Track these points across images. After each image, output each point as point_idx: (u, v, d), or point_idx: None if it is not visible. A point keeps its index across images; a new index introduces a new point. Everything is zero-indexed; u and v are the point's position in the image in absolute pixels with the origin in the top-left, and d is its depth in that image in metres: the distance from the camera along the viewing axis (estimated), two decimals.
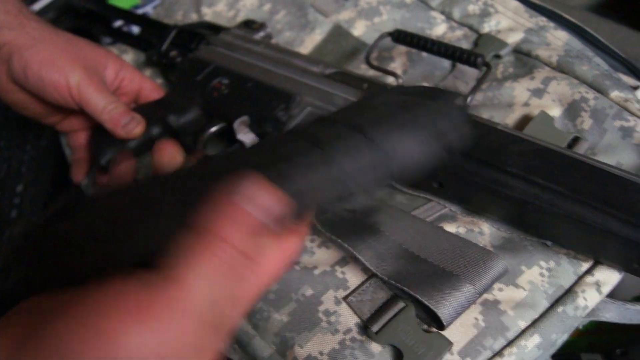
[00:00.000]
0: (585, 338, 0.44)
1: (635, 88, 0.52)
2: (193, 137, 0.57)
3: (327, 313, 0.43)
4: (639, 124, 0.48)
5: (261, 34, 0.62)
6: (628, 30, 0.68)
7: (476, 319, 0.40)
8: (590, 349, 0.50)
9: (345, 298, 0.43)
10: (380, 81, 0.53)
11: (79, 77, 0.55)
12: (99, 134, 0.58)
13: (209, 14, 0.70)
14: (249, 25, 0.62)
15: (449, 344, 0.38)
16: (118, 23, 0.72)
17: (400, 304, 0.40)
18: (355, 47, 0.63)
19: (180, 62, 0.62)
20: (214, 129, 0.56)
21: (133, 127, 0.56)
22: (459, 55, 0.52)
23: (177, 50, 0.63)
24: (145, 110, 0.58)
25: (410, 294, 0.40)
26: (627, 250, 0.38)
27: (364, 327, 0.41)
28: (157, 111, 0.59)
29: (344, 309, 0.43)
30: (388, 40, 0.61)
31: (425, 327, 0.40)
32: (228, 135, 0.56)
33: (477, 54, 0.51)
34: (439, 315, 0.38)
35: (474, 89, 0.50)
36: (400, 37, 0.55)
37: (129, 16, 0.70)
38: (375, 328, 0.40)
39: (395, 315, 0.40)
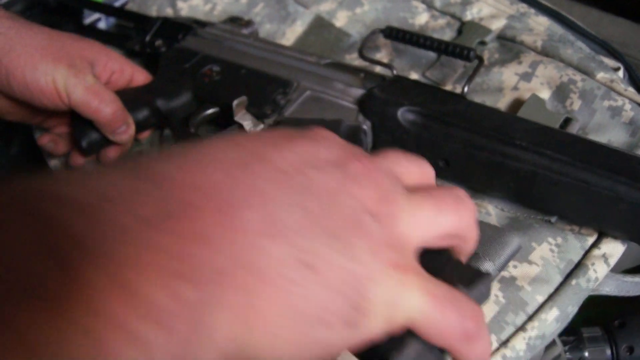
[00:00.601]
0: (581, 313, 0.47)
1: (616, 69, 0.56)
2: (184, 121, 0.58)
3: None
4: (627, 103, 0.51)
5: (249, 29, 0.62)
6: (599, 12, 0.71)
7: (496, 295, 0.42)
8: (587, 323, 0.53)
9: None
10: (375, 72, 0.54)
11: (66, 77, 0.53)
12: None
13: (184, 8, 0.71)
14: (236, 21, 0.63)
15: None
16: (90, 19, 0.72)
17: None
18: (338, 38, 0.65)
19: (165, 51, 0.62)
20: (206, 112, 0.57)
21: (125, 133, 0.57)
22: (451, 49, 0.54)
23: (162, 40, 0.63)
24: (132, 94, 0.58)
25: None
26: (634, 216, 0.40)
27: None
28: (145, 95, 0.59)
29: None
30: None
31: None
32: (221, 119, 0.56)
33: (469, 48, 0.54)
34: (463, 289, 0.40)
35: (469, 81, 0.52)
36: (392, 33, 0.57)
37: (107, 9, 0.69)
38: None
39: None
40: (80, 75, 0.54)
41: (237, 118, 0.54)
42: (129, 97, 0.57)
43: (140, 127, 0.59)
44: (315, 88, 0.54)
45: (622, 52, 0.66)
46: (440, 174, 0.48)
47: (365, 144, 0.51)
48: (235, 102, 0.53)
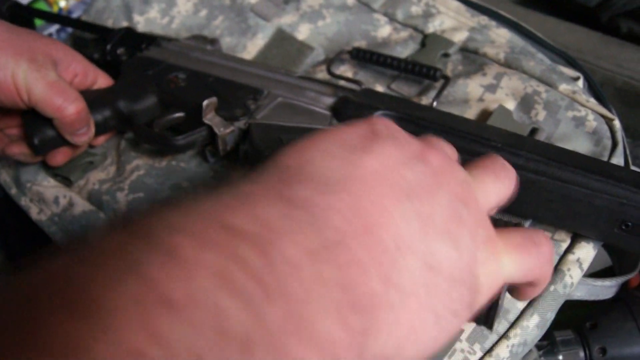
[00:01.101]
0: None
1: (575, 79, 0.59)
2: (148, 124, 0.57)
3: None
4: (590, 114, 0.54)
5: (214, 47, 0.63)
6: (555, 20, 0.75)
7: None
8: (559, 327, 0.55)
9: None
10: (344, 86, 0.55)
11: (27, 72, 0.51)
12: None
13: (141, 21, 0.70)
14: (199, 39, 0.63)
15: (460, 331, 0.42)
16: (49, 31, 0.70)
17: None
18: (300, 51, 0.66)
19: (126, 60, 0.62)
20: (171, 116, 0.57)
21: (85, 135, 0.55)
22: (417, 70, 0.56)
23: (124, 49, 0.62)
24: (93, 95, 0.57)
25: None
26: (609, 213, 0.43)
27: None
28: (107, 96, 0.58)
29: None
30: (336, 44, 0.65)
31: None
32: (186, 124, 0.56)
33: (435, 68, 0.56)
34: None
35: (437, 97, 0.55)
36: (360, 54, 0.59)
37: (65, 20, 0.69)
38: None
39: None
40: (43, 71, 0.52)
41: (206, 119, 0.54)
42: (90, 97, 0.56)
43: (99, 129, 0.57)
44: (286, 95, 0.54)
45: (578, 58, 0.70)
46: None
47: None
48: (205, 102, 0.53)
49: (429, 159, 0.29)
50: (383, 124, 0.31)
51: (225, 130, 0.53)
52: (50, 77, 0.52)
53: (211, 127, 0.53)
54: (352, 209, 0.24)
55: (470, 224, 0.28)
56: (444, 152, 0.31)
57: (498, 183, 0.33)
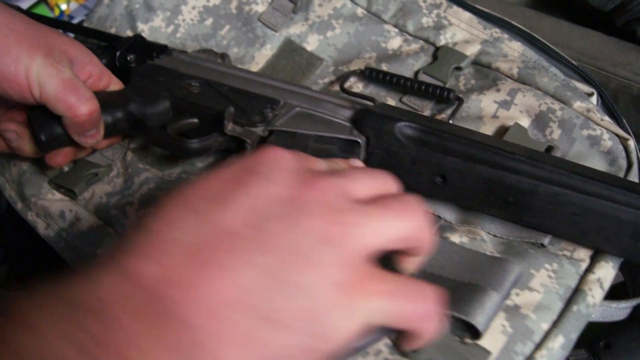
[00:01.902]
0: None
1: (589, 94, 0.60)
2: (160, 128, 0.58)
3: None
4: (604, 133, 0.55)
5: (225, 62, 0.63)
6: (570, 24, 0.75)
7: (503, 325, 0.45)
8: (573, 346, 0.56)
9: None
10: (359, 101, 0.56)
11: (41, 67, 0.50)
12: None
13: (145, 30, 0.71)
14: (209, 52, 0.64)
15: (487, 353, 0.43)
16: None
17: None
18: (309, 62, 0.67)
19: (136, 66, 0.62)
20: (185, 121, 0.57)
21: (93, 137, 0.55)
22: (431, 91, 0.58)
23: (134, 56, 0.63)
24: (106, 96, 0.57)
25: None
26: (634, 227, 0.44)
27: (395, 346, 0.45)
28: (119, 98, 0.58)
29: None
30: (346, 55, 0.66)
31: (458, 339, 0.44)
32: (199, 131, 0.57)
33: (448, 90, 0.58)
34: (475, 324, 0.43)
35: (451, 117, 0.57)
36: (372, 75, 0.60)
37: (75, 28, 0.69)
38: None
39: None
40: (58, 67, 0.51)
41: (228, 131, 0.54)
42: (102, 98, 0.56)
43: (108, 130, 0.57)
44: (303, 106, 0.55)
45: (594, 64, 0.71)
46: (437, 192, 0.51)
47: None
48: (226, 113, 0.54)
49: (297, 197, 0.32)
50: (268, 156, 0.35)
51: (252, 138, 0.54)
52: (65, 75, 0.52)
53: (231, 137, 0.54)
54: (190, 277, 0.29)
55: (328, 265, 0.30)
56: (321, 186, 0.33)
57: (389, 222, 0.34)
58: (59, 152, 0.57)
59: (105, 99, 0.56)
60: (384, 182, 0.38)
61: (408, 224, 0.35)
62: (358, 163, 0.46)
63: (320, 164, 0.40)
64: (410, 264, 0.39)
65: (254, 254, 0.30)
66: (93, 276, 0.29)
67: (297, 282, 0.30)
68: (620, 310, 0.53)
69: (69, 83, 0.52)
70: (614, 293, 0.61)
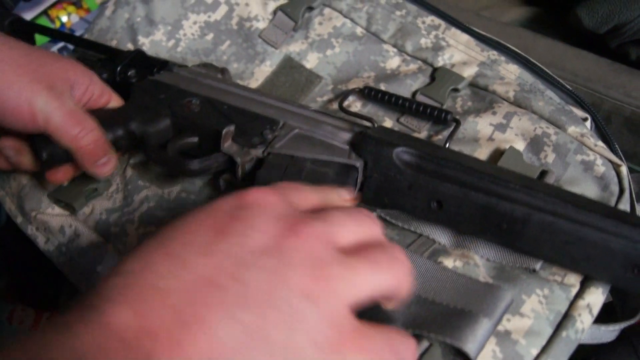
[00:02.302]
0: None
1: (584, 120, 0.61)
2: (161, 147, 0.58)
3: None
4: (598, 158, 0.56)
5: (225, 77, 0.64)
6: (564, 46, 0.77)
7: (493, 350, 0.46)
8: None
9: None
10: (358, 122, 0.57)
11: (45, 100, 0.51)
12: None
13: (146, 43, 0.72)
14: (209, 67, 0.65)
15: None
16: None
17: (425, 344, 0.46)
18: (309, 80, 0.68)
19: (137, 82, 0.63)
20: (185, 140, 0.58)
21: (106, 166, 0.56)
22: (429, 112, 0.59)
23: (135, 71, 0.64)
24: (105, 114, 0.58)
25: (432, 337, 0.45)
26: (624, 257, 0.45)
27: None
28: (119, 116, 0.59)
29: None
30: (345, 74, 0.67)
31: None
32: (199, 149, 0.58)
33: (446, 111, 0.59)
34: (467, 350, 0.44)
35: (447, 141, 0.57)
36: (371, 94, 0.62)
37: (75, 40, 0.70)
38: None
39: (421, 355, 0.45)
40: (61, 99, 0.52)
41: (224, 148, 0.55)
42: (102, 116, 0.57)
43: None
44: (303, 127, 0.56)
45: (587, 86, 0.72)
46: (432, 216, 0.52)
47: (355, 183, 0.54)
48: (224, 130, 0.55)
49: (281, 246, 0.32)
50: (252, 200, 0.34)
51: (245, 158, 0.54)
52: (68, 106, 0.53)
53: (229, 156, 0.55)
54: (168, 329, 0.28)
55: (313, 323, 0.30)
56: (306, 234, 0.33)
57: (373, 276, 0.34)
58: (59, 169, 0.58)
59: (105, 117, 0.57)
60: (369, 228, 0.38)
61: (392, 277, 0.35)
62: (347, 195, 0.46)
63: (308, 196, 0.40)
64: (389, 304, 0.39)
65: (235, 309, 0.29)
66: (70, 324, 0.28)
67: (279, 341, 0.29)
68: (609, 332, 0.54)
69: (73, 115, 0.53)
70: (603, 313, 0.62)
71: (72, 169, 0.59)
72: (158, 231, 0.33)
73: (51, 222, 0.59)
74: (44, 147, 0.55)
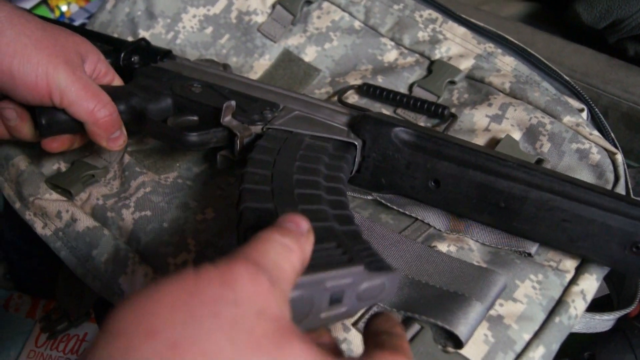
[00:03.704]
0: None
1: (580, 110, 0.61)
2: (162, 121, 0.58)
3: (338, 341, 0.47)
4: (593, 147, 0.56)
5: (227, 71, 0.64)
6: (562, 41, 0.77)
7: (485, 335, 0.46)
8: (557, 356, 0.57)
9: (354, 324, 0.47)
10: (356, 108, 0.57)
11: (63, 77, 0.51)
12: None
13: (146, 36, 0.72)
14: (211, 62, 0.65)
15: None
16: None
17: (416, 327, 0.46)
18: (307, 73, 0.68)
19: (140, 67, 0.63)
20: (185, 117, 0.58)
21: (119, 140, 0.56)
22: (426, 107, 0.59)
23: (138, 57, 0.64)
24: (108, 89, 0.57)
25: (423, 320, 0.45)
26: (622, 234, 0.45)
27: None
28: (122, 92, 0.59)
29: (353, 335, 0.47)
30: (343, 67, 0.67)
31: (440, 348, 0.45)
32: (199, 128, 0.56)
33: (443, 106, 0.59)
34: (457, 334, 0.44)
35: (446, 130, 0.58)
36: (370, 91, 0.62)
37: (74, 29, 0.70)
38: None
39: (412, 338, 0.45)
40: (78, 73, 0.52)
41: (224, 122, 0.55)
42: (105, 91, 0.56)
43: None
44: (303, 110, 0.56)
45: (585, 81, 0.72)
46: (430, 196, 0.52)
47: (353, 163, 0.54)
48: (225, 104, 0.55)
49: None
50: (240, 289, 0.29)
51: (244, 133, 0.54)
52: (84, 80, 0.53)
53: (229, 129, 0.55)
54: None
55: None
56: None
57: None
58: (56, 139, 0.57)
59: (108, 92, 0.56)
60: None
61: None
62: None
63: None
64: None
65: None
66: None
67: None
68: (603, 322, 0.54)
69: (89, 89, 0.53)
70: (600, 305, 0.62)
71: (69, 140, 0.58)
72: (137, 302, 0.28)
73: (48, 207, 0.59)
74: (44, 114, 0.54)
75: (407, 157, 0.51)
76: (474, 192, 0.49)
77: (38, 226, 0.59)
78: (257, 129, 0.55)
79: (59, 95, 0.52)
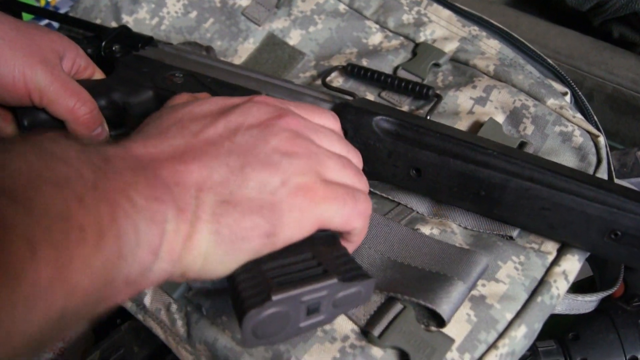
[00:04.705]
0: None
1: (564, 94, 0.61)
2: (142, 117, 0.58)
3: None
4: (576, 129, 0.56)
5: (209, 55, 0.64)
6: (547, 24, 0.77)
7: (468, 314, 0.46)
8: (541, 337, 0.57)
9: None
10: (340, 96, 0.57)
11: (41, 76, 0.51)
12: None
13: (130, 22, 0.71)
14: (194, 45, 0.64)
15: (451, 341, 0.44)
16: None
17: (399, 306, 0.45)
18: (291, 57, 0.68)
19: (122, 56, 0.63)
20: None
21: (101, 135, 0.56)
22: (411, 88, 0.59)
23: (119, 46, 0.63)
24: (89, 84, 0.57)
25: (406, 299, 0.45)
26: (600, 222, 0.45)
27: (363, 333, 0.45)
28: (102, 86, 0.58)
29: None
30: (327, 51, 0.67)
31: (423, 327, 0.45)
32: None
33: (428, 87, 0.59)
34: (440, 312, 0.44)
35: (428, 114, 0.57)
36: (354, 71, 0.61)
37: (62, 17, 0.69)
38: (377, 332, 0.44)
39: (395, 317, 0.45)
40: (56, 72, 0.52)
41: None
42: (85, 86, 0.56)
43: None
44: (285, 99, 0.56)
45: (569, 63, 0.72)
46: (412, 184, 0.52)
47: None
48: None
49: (266, 124, 0.40)
50: (258, 101, 0.42)
51: None
52: (62, 78, 0.53)
53: None
54: (171, 161, 0.36)
55: (288, 172, 0.37)
56: (295, 118, 0.41)
57: (341, 139, 0.45)
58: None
59: (89, 87, 0.57)
60: (332, 121, 0.46)
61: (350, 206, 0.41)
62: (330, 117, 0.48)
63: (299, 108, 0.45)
64: (349, 239, 0.44)
65: (226, 157, 0.37)
66: (103, 146, 0.34)
67: (262, 180, 0.37)
68: (586, 303, 0.54)
69: (68, 86, 0.53)
70: (583, 287, 0.62)
71: None
72: (172, 107, 0.42)
73: None
74: (26, 115, 0.55)
75: (388, 146, 0.51)
76: (454, 180, 0.49)
77: None
78: None
79: (38, 95, 0.52)
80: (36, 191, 0.28)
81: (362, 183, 0.43)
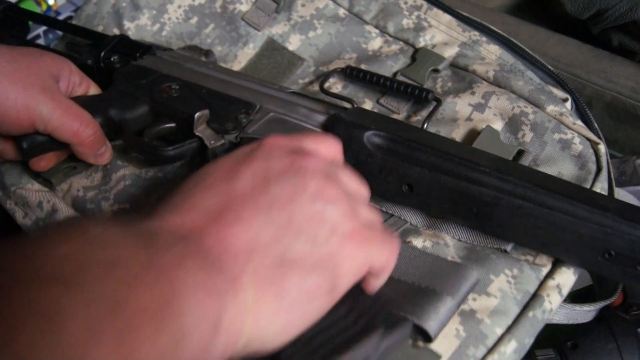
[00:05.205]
0: None
1: (564, 100, 0.60)
2: (138, 133, 0.58)
3: None
4: (576, 137, 0.55)
5: (208, 59, 0.64)
6: (547, 32, 0.75)
7: (457, 329, 0.45)
8: (540, 345, 0.56)
9: None
10: (336, 104, 0.56)
11: (44, 106, 0.52)
12: None
13: (131, 28, 0.71)
14: (194, 49, 0.64)
15: (437, 357, 0.43)
16: (31, 35, 0.71)
17: None
18: (291, 62, 0.67)
19: (120, 67, 0.63)
20: (162, 126, 0.58)
21: (105, 154, 0.57)
22: (410, 91, 0.58)
23: (118, 56, 0.63)
24: (85, 102, 0.57)
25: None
26: (594, 241, 0.44)
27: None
28: (98, 104, 0.58)
29: None
30: (327, 56, 0.66)
31: (411, 342, 0.44)
32: (176, 135, 0.58)
33: (427, 90, 0.58)
34: (427, 328, 0.43)
35: (426, 120, 0.56)
36: (353, 73, 0.61)
37: (62, 25, 0.69)
38: None
39: None
40: (56, 98, 0.53)
41: (197, 132, 0.55)
42: (82, 104, 0.56)
43: None
44: (278, 111, 0.55)
45: (569, 71, 0.71)
46: (403, 199, 0.51)
47: None
48: (197, 114, 0.55)
49: (295, 168, 0.38)
50: (270, 144, 0.40)
51: (215, 144, 0.54)
52: (64, 103, 0.53)
53: (202, 139, 0.55)
54: (215, 227, 0.34)
55: (334, 220, 0.36)
56: (316, 156, 0.40)
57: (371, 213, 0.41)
58: (43, 158, 0.58)
59: (85, 105, 0.57)
60: (335, 147, 0.45)
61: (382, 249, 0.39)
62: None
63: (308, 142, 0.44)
64: (374, 282, 0.42)
65: (267, 211, 0.35)
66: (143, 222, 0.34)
67: (312, 233, 0.35)
68: (585, 313, 0.53)
69: (71, 111, 0.54)
70: (583, 296, 0.60)
71: (56, 156, 0.59)
72: (194, 173, 0.39)
73: (30, 197, 0.59)
74: (24, 138, 0.55)
75: (379, 161, 0.50)
76: (446, 197, 0.48)
77: (19, 215, 0.59)
78: (230, 137, 0.54)
79: (42, 124, 0.53)
80: (89, 275, 0.26)
81: (375, 212, 0.42)
